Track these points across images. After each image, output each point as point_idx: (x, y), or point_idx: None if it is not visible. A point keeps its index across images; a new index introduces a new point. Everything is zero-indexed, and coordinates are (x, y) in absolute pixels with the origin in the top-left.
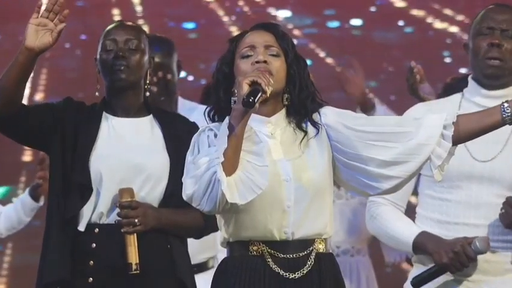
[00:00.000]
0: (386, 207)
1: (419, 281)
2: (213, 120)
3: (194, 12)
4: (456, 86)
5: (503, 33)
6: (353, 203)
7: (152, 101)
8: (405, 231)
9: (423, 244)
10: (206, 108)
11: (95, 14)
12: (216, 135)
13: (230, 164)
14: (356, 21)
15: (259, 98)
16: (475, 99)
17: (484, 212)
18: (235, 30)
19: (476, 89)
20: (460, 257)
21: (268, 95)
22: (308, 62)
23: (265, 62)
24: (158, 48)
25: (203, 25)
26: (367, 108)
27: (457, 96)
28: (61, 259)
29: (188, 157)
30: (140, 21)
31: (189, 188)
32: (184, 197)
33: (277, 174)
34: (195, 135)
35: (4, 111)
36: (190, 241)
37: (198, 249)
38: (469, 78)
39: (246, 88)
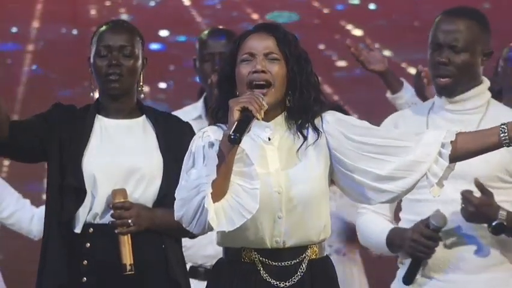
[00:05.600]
0: (365, 216)
1: (406, 278)
2: (216, 119)
3: None
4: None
5: (452, 48)
6: (344, 203)
7: None
8: (378, 233)
9: (392, 241)
10: (210, 106)
11: None
12: (212, 145)
13: (219, 191)
14: None
15: (249, 128)
16: (441, 105)
17: (451, 208)
18: None
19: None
20: (420, 243)
21: (260, 119)
22: None
23: (263, 71)
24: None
25: None
26: (395, 86)
27: (427, 104)
28: (61, 264)
29: (184, 166)
30: None
31: (179, 210)
32: (175, 218)
33: (269, 185)
34: (194, 139)
35: None
36: None
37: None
38: None
39: (237, 115)
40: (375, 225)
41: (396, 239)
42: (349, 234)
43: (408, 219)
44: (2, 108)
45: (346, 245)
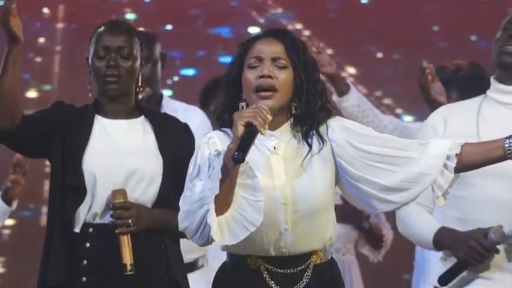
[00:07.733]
0: (409, 208)
1: (444, 279)
2: (221, 122)
3: None
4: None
5: None
6: None
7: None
8: (426, 229)
9: (442, 240)
10: (216, 109)
11: None
12: (218, 154)
13: (223, 204)
14: None
15: (253, 142)
16: (494, 96)
17: (499, 207)
18: None
19: (495, 85)
20: (476, 250)
21: (265, 134)
22: None
23: (269, 76)
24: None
25: None
26: (342, 89)
27: (479, 97)
28: (63, 264)
29: (188, 174)
30: None
31: (183, 221)
32: (179, 229)
33: (275, 197)
34: (199, 146)
35: (9, 123)
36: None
37: (187, 248)
38: (491, 77)
39: (241, 130)
40: (421, 219)
41: (446, 240)
42: (349, 234)
43: (453, 215)
44: (17, 99)
45: (346, 245)
